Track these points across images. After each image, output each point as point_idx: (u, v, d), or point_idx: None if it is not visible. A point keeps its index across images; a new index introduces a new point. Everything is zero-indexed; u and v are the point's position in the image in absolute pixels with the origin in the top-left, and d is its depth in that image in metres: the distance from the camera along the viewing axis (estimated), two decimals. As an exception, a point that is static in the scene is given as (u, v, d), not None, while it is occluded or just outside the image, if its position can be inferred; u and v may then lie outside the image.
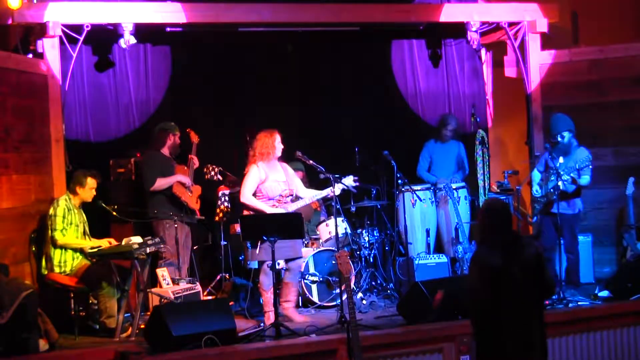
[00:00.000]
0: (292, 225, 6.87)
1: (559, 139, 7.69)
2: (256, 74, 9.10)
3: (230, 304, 7.25)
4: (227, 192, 8.50)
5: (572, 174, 7.48)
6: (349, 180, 7.38)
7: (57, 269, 6.92)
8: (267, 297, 7.06)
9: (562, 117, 7.88)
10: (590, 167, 7.52)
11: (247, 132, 8.49)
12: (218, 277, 8.32)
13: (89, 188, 7.10)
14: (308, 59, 9.29)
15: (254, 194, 7.20)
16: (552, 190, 7.60)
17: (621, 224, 8.42)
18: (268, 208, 7.15)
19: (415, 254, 8.43)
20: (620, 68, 8.63)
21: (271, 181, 7.22)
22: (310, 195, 7.50)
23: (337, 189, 7.31)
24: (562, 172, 7.52)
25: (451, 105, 9.73)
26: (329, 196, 7.50)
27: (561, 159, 7.68)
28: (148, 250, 6.89)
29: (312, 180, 8.67)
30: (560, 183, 7.51)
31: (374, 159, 8.55)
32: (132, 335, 6.72)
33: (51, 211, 6.99)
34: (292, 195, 7.35)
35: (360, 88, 9.46)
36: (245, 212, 7.20)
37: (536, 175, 7.90)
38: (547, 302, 7.12)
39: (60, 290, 6.92)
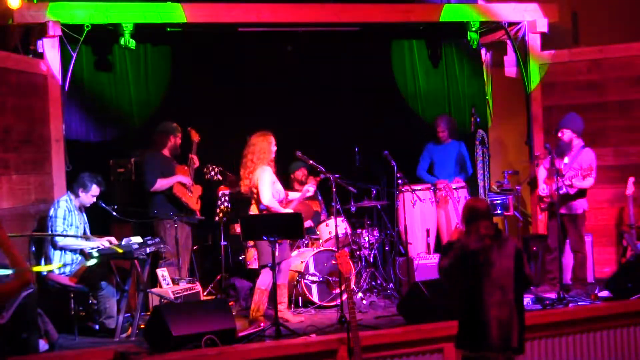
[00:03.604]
0: (292, 225, 6.87)
1: (559, 134, 7.78)
2: (256, 74, 9.10)
3: (231, 304, 7.26)
4: (227, 192, 8.51)
5: (574, 180, 7.50)
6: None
7: (56, 270, 6.92)
8: (264, 298, 7.07)
9: (570, 115, 7.93)
10: (594, 170, 7.55)
11: (247, 132, 8.49)
12: (218, 277, 8.33)
13: (91, 194, 7.07)
14: (308, 59, 9.29)
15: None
16: (555, 191, 7.63)
17: (621, 224, 8.43)
18: (284, 211, 7.14)
19: (415, 254, 8.43)
20: (620, 68, 8.65)
21: (278, 183, 7.24)
22: (295, 197, 7.57)
23: (311, 188, 7.47)
24: (564, 175, 7.57)
25: (451, 105, 9.73)
26: (308, 194, 7.54)
27: (566, 160, 7.69)
28: (148, 250, 6.89)
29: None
30: (566, 182, 7.58)
31: (374, 159, 8.54)
32: (132, 335, 6.72)
33: (51, 212, 6.98)
34: (287, 197, 7.39)
35: (360, 88, 9.46)
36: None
37: (542, 173, 7.92)
38: (547, 302, 7.14)
39: (60, 290, 6.92)
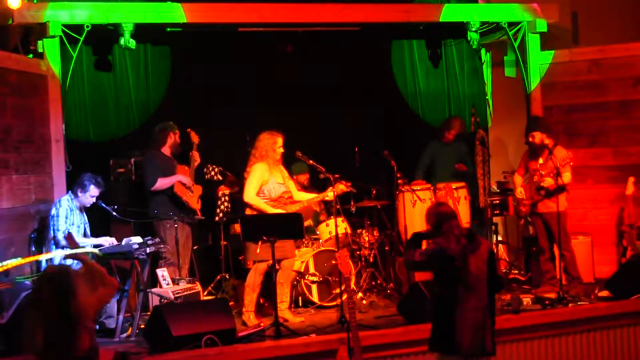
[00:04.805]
0: (292, 226, 6.87)
1: (529, 139, 7.89)
2: (256, 74, 9.10)
3: (231, 304, 7.26)
4: (227, 192, 8.50)
5: (552, 174, 7.57)
6: (341, 187, 7.42)
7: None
8: (254, 297, 7.12)
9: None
10: (571, 164, 7.60)
11: (247, 132, 8.49)
12: (218, 277, 8.32)
13: (89, 195, 7.05)
14: (308, 59, 9.29)
15: (257, 195, 7.23)
16: (536, 190, 7.69)
17: (621, 224, 8.43)
18: (271, 209, 7.18)
19: (415, 254, 8.40)
20: (620, 68, 8.64)
21: (273, 182, 7.24)
22: (307, 198, 7.55)
23: (332, 192, 7.34)
24: (542, 173, 7.68)
25: (451, 105, 9.73)
26: (326, 198, 7.54)
27: (541, 160, 7.76)
28: (148, 250, 6.89)
29: (312, 180, 8.67)
30: (543, 183, 7.65)
31: (374, 159, 8.54)
32: (132, 335, 6.72)
33: (53, 211, 6.98)
34: (290, 197, 7.38)
35: (360, 88, 9.46)
36: (248, 211, 7.21)
37: (518, 179, 8.03)
38: (547, 302, 7.14)
39: (60, 290, 6.90)
